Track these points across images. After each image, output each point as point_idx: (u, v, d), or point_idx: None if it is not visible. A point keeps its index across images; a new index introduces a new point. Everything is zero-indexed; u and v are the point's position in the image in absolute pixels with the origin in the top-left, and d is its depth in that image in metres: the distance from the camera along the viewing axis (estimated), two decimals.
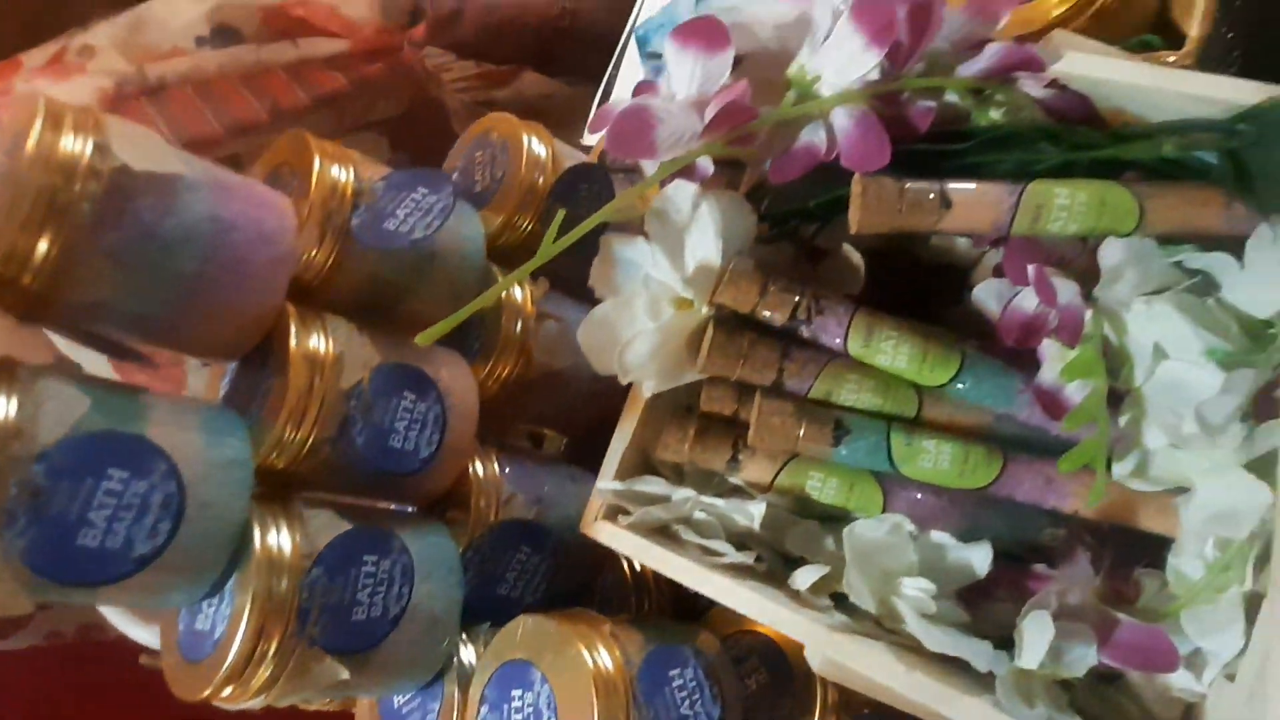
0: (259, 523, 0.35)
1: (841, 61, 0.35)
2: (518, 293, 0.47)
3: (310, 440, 0.37)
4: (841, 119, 0.36)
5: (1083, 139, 0.36)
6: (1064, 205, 0.35)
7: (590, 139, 0.77)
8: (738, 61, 0.37)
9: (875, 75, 0.36)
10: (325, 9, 0.74)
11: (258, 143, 0.74)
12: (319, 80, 0.73)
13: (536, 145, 0.49)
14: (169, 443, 0.32)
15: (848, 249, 0.41)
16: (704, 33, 0.35)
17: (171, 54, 0.70)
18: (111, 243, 0.33)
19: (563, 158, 0.50)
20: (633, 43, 0.76)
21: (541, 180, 0.49)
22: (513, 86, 1.09)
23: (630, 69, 0.74)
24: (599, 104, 0.76)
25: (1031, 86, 0.37)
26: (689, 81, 0.35)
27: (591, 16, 1.22)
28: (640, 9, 0.75)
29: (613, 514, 0.42)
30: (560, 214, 0.36)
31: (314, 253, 0.40)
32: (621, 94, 0.75)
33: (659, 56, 0.69)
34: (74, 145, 0.32)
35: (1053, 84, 0.37)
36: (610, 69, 0.75)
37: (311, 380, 0.37)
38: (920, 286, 0.43)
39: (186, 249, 0.34)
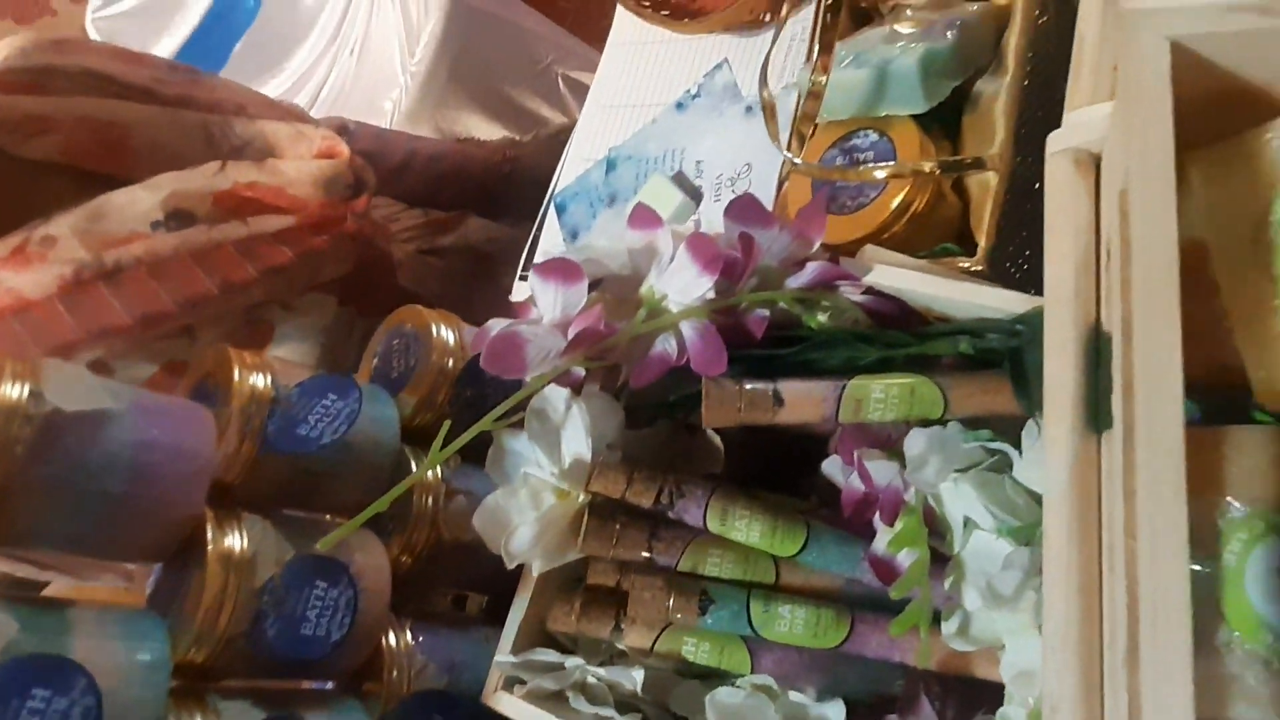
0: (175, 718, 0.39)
1: (682, 284, 0.41)
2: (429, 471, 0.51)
3: (225, 635, 0.41)
4: (688, 330, 0.42)
5: (893, 339, 0.42)
6: (880, 398, 0.41)
7: (517, 295, 0.83)
8: (599, 283, 0.43)
9: (712, 294, 0.42)
10: (273, 189, 0.81)
11: (210, 314, 0.80)
12: (267, 254, 0.80)
13: (445, 332, 0.55)
14: (90, 656, 0.36)
15: (710, 432, 0.46)
16: (561, 270, 0.41)
17: (129, 239, 0.76)
18: (43, 476, 0.37)
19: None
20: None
21: (451, 364, 0.54)
22: (458, 233, 1.17)
23: (553, 228, 0.81)
24: (525, 259, 0.83)
25: (851, 292, 0.43)
26: (553, 308, 0.41)
27: (533, 161, 1.31)
28: (559, 177, 0.82)
29: (511, 684, 0.45)
30: (445, 424, 0.41)
31: (234, 456, 0.45)
32: (549, 245, 0.82)
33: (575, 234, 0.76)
34: (11, 392, 0.37)
35: (869, 290, 0.43)
36: (535, 229, 0.82)
37: (226, 579, 0.41)
38: (784, 457, 0.48)
39: (112, 474, 0.39)
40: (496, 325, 0.42)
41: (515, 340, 0.41)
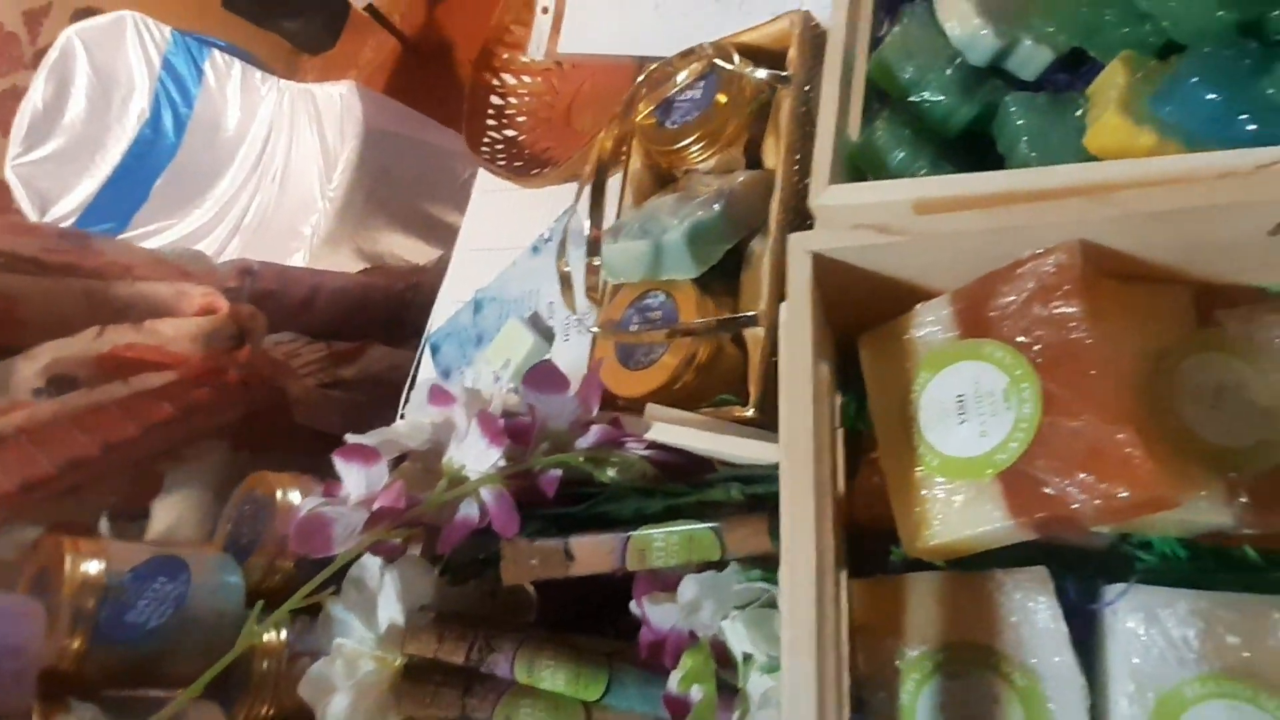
0: None
1: (477, 454, 0.45)
2: (270, 634, 0.53)
3: None
4: (486, 495, 0.45)
5: (674, 490, 0.46)
6: (661, 547, 0.45)
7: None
8: (406, 456, 0.47)
9: (503, 461, 0.46)
10: (153, 348, 0.84)
11: (93, 473, 0.82)
12: (149, 411, 0.82)
13: (291, 495, 0.58)
14: None
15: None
16: (360, 454, 0.44)
17: (10, 408, 0.79)
18: None
19: None
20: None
21: None
22: (360, 363, 1.20)
23: (429, 367, 0.85)
24: (407, 394, 0.86)
25: (637, 447, 0.47)
26: (357, 486, 0.45)
27: (434, 285, 1.36)
28: (433, 318, 0.87)
29: None
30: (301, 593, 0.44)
31: (65, 648, 0.47)
32: (426, 376, 0.86)
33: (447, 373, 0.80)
34: None
35: (652, 445, 0.47)
36: (413, 370, 0.86)
37: None
38: (598, 598, 0.51)
39: None
40: (307, 504, 0.45)
41: (321, 521, 0.44)
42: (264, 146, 1.93)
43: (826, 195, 0.39)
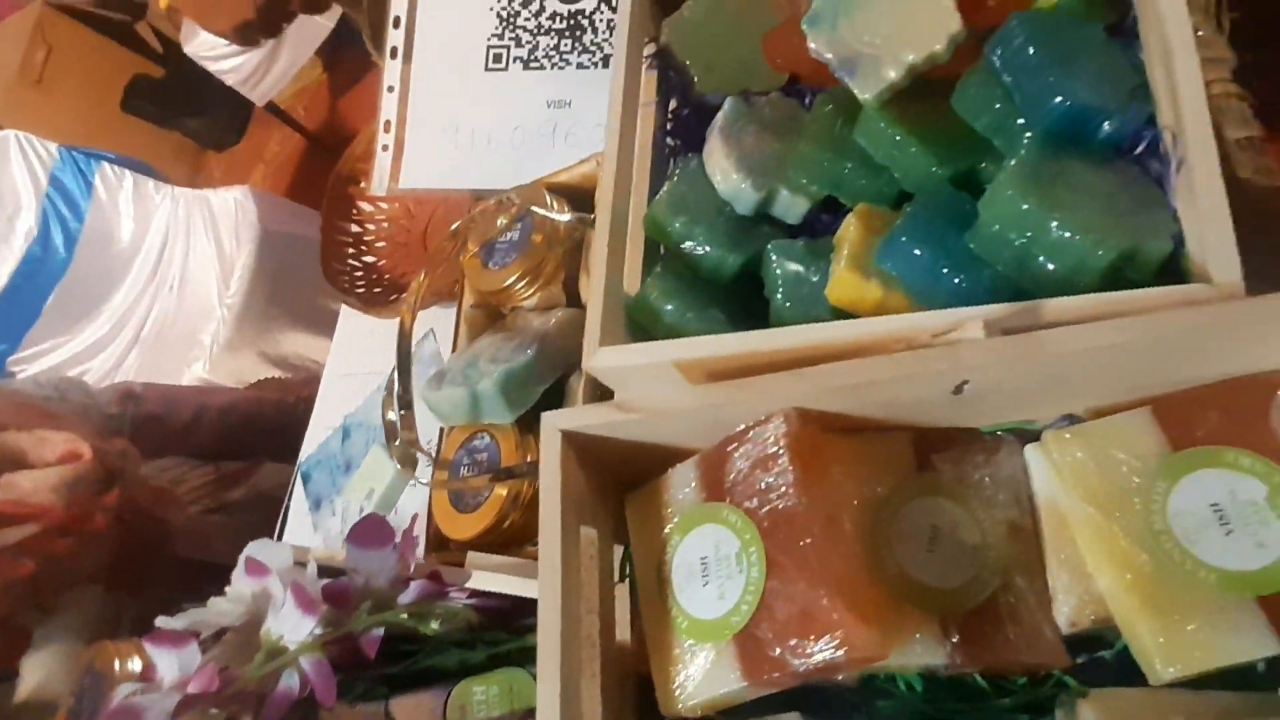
0: None
1: (293, 623, 0.46)
2: None
3: None
4: (306, 665, 0.46)
5: (495, 638, 0.47)
6: (482, 699, 0.46)
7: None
8: (225, 631, 0.48)
9: (320, 629, 0.46)
10: (10, 502, 0.82)
11: None
12: (7, 568, 0.80)
13: (133, 665, 0.57)
14: None
15: None
16: (170, 638, 0.45)
17: None
18: None
19: None
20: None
21: None
22: (250, 483, 1.19)
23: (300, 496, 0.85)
24: (280, 528, 0.86)
25: (460, 598, 0.48)
26: (170, 670, 0.45)
27: None
28: (305, 444, 0.87)
29: None
30: None
31: None
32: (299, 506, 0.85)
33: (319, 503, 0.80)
34: None
35: (475, 593, 0.49)
36: (285, 502, 0.86)
37: None
38: None
39: None
40: (121, 692, 0.45)
41: (133, 710, 0.44)
42: (160, 255, 1.91)
43: (597, 358, 0.42)
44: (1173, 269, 0.36)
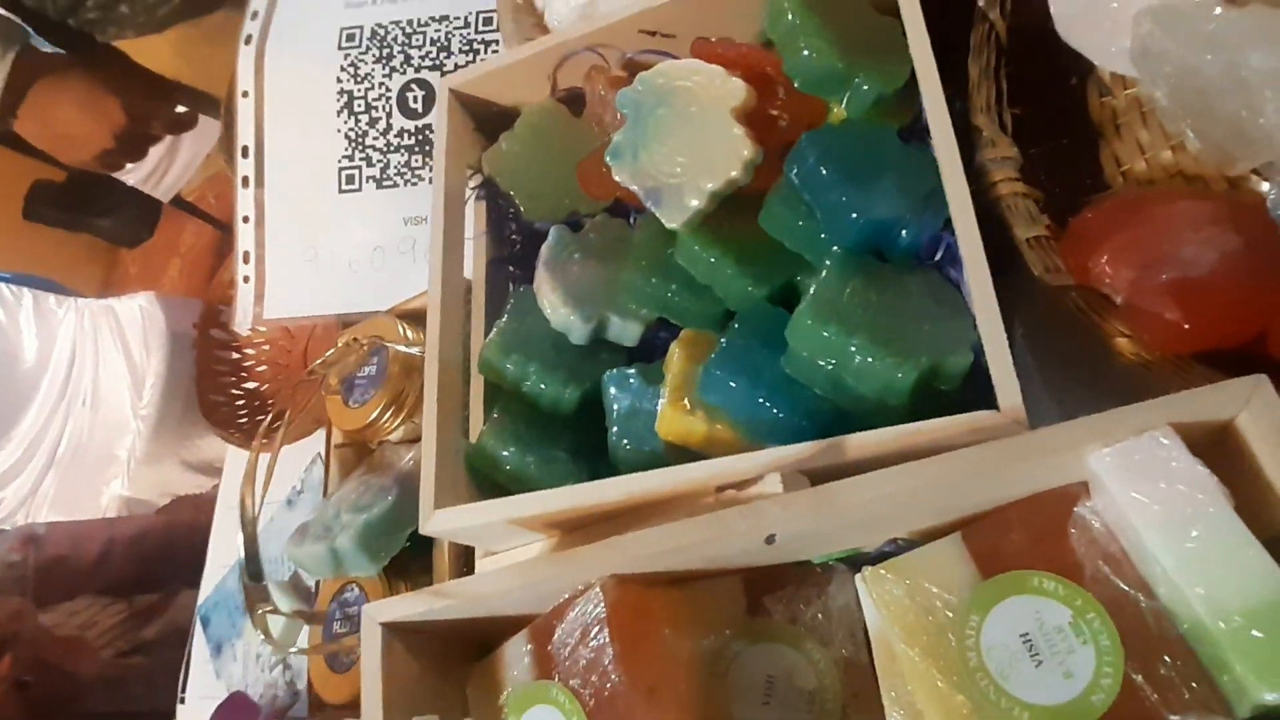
0: None
1: None
2: None
3: None
4: None
5: None
6: None
7: None
8: None
9: None
10: None
11: None
12: None
13: None
14: None
15: None
16: None
17: None
18: None
19: None
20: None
21: None
22: (165, 616, 1.14)
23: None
24: (183, 680, 0.82)
25: None
26: None
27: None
28: (203, 586, 0.84)
29: None
30: None
31: None
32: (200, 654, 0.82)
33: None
34: None
35: None
36: (187, 650, 0.82)
37: None
38: None
39: None
40: None
41: None
42: (69, 371, 1.85)
43: (433, 523, 0.41)
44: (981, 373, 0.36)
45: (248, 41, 0.76)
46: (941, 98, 0.39)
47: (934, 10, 0.46)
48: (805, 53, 0.42)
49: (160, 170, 2.72)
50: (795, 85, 0.43)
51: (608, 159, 0.44)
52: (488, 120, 0.53)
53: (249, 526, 0.51)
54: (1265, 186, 0.38)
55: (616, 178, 0.44)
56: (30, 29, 0.92)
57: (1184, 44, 0.36)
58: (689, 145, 0.42)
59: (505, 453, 0.44)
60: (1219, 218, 0.35)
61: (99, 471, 1.70)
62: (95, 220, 3.56)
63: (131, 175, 2.76)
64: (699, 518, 0.32)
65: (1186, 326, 0.34)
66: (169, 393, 1.70)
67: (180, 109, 1.06)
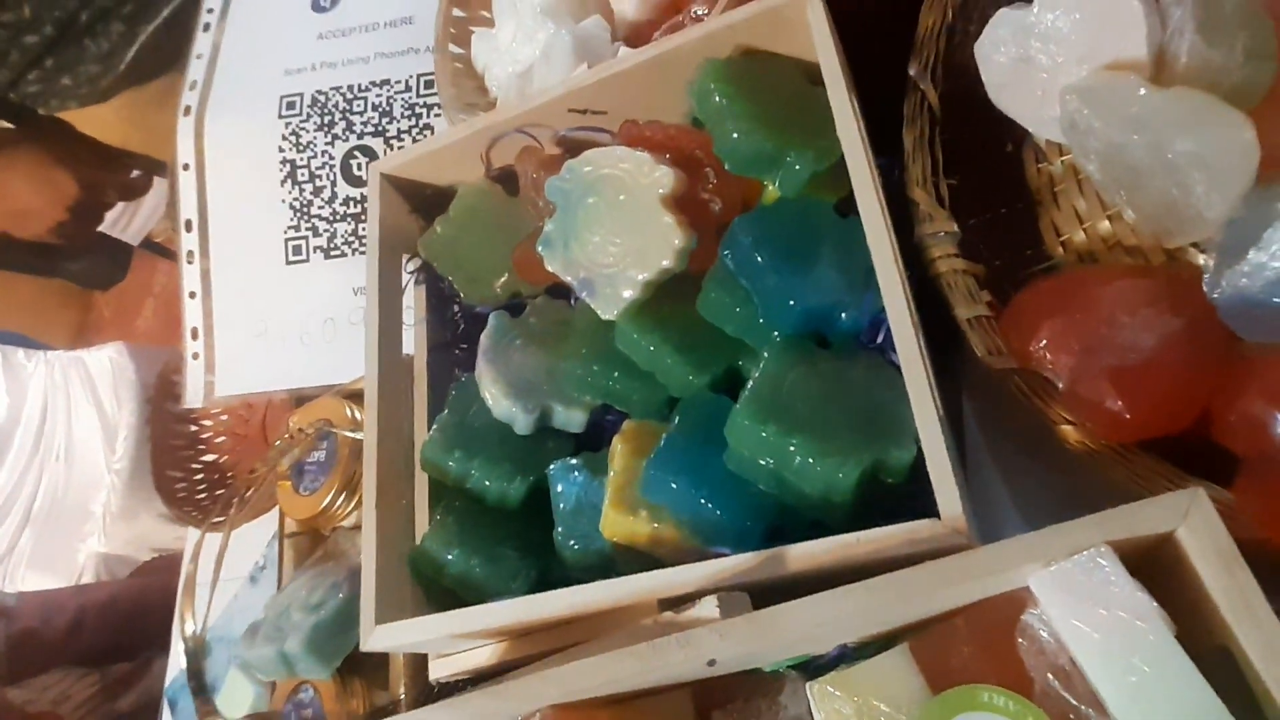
0: None
1: None
2: None
3: None
4: None
5: None
6: None
7: None
8: None
9: None
10: None
11: None
12: None
13: None
14: None
15: None
16: None
17: None
18: None
19: None
20: None
21: None
22: (141, 685, 1.12)
23: None
24: None
25: None
26: None
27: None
28: (170, 666, 0.82)
29: None
30: None
31: None
32: None
33: None
34: None
35: None
36: None
37: None
38: None
39: None
40: None
41: None
42: (41, 426, 1.82)
43: (373, 640, 0.40)
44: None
45: (186, 113, 0.75)
46: (869, 180, 0.38)
47: (869, 73, 0.45)
48: (734, 135, 0.41)
49: (125, 218, 2.69)
50: (726, 167, 0.42)
51: (539, 249, 0.43)
52: (423, 202, 0.52)
53: (189, 643, 0.49)
54: (1202, 260, 0.37)
55: (549, 268, 0.43)
56: None
57: (1111, 123, 0.35)
58: (620, 235, 0.41)
59: (449, 556, 0.43)
60: (1156, 297, 0.35)
61: (75, 528, 1.67)
62: (67, 264, 3.52)
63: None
64: (636, 647, 0.31)
65: (1128, 416, 0.33)
66: (142, 445, 1.68)
67: (134, 173, 1.05)
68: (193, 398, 0.72)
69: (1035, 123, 0.41)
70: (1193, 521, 0.27)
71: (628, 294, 0.41)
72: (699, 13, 0.51)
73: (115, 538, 1.62)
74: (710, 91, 0.42)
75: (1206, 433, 0.33)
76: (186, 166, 0.73)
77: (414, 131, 0.71)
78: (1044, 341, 0.35)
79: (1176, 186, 0.34)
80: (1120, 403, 0.33)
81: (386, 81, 0.72)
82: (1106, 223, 0.40)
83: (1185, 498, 0.27)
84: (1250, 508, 0.30)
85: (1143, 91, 0.34)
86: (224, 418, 0.82)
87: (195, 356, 0.72)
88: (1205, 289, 0.34)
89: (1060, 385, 0.35)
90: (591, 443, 0.47)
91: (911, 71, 0.44)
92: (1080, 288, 0.36)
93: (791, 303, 0.39)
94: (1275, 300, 0.31)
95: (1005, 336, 0.38)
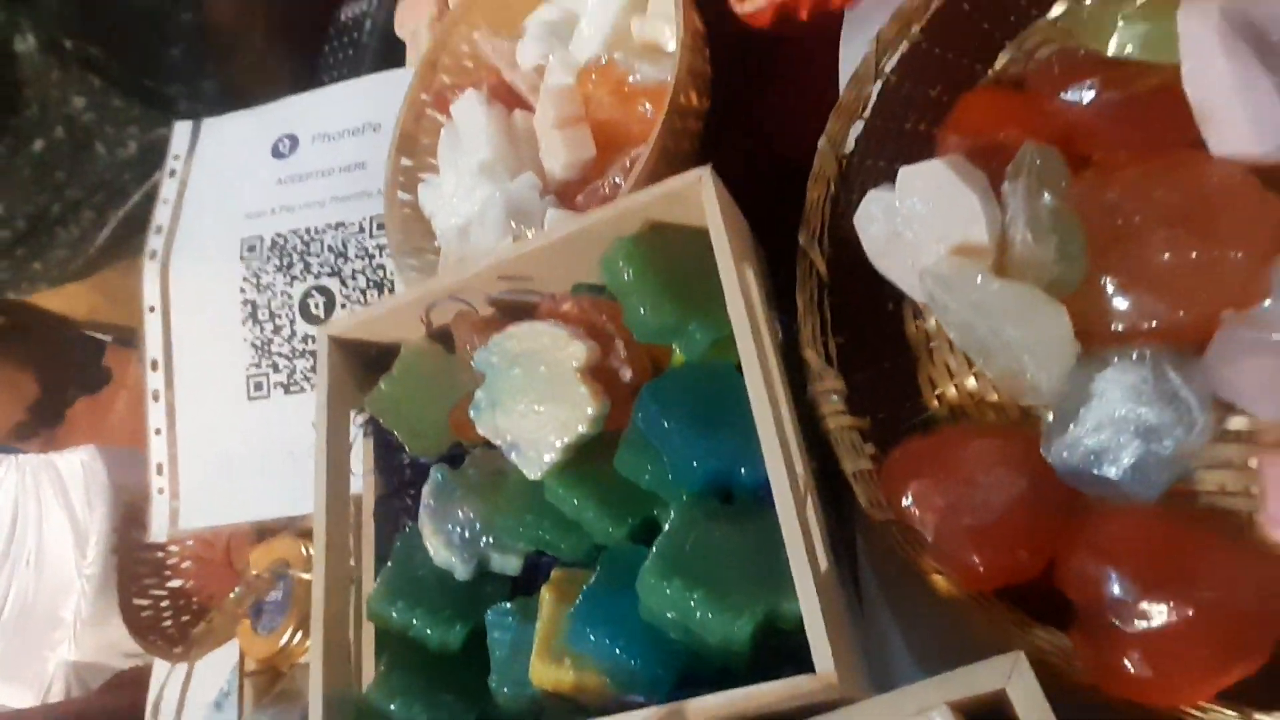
0: None
1: None
2: None
3: None
4: None
5: None
6: None
7: None
8: None
9: None
10: None
11: None
12: None
13: None
14: None
15: None
16: None
17: None
18: None
19: None
20: None
21: None
22: None
23: None
24: None
25: None
26: None
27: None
28: None
29: None
30: None
31: None
32: None
33: None
34: None
35: None
36: None
37: None
38: None
39: None
40: None
41: None
42: (11, 530, 1.82)
43: None
44: None
45: (152, 257, 0.79)
46: (753, 352, 0.42)
47: (775, 234, 0.51)
48: (640, 309, 0.46)
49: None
50: (635, 337, 0.47)
51: (470, 413, 0.48)
52: (368, 360, 0.57)
53: None
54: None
55: (479, 431, 0.47)
56: None
57: (960, 304, 0.40)
58: (541, 403, 0.46)
59: (392, 706, 0.46)
60: (1007, 458, 0.39)
61: (44, 635, 1.66)
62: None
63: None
64: None
65: (982, 569, 0.37)
66: (113, 551, 1.68)
67: (101, 366, 1.08)
68: (158, 531, 0.74)
69: (908, 285, 0.47)
70: (1014, 682, 0.31)
71: (548, 457, 0.45)
72: (616, 180, 0.57)
73: (86, 645, 1.62)
74: (619, 269, 0.47)
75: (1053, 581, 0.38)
76: (152, 309, 0.78)
77: (367, 271, 0.75)
78: (911, 499, 0.40)
79: (1014, 362, 0.39)
80: (976, 557, 0.37)
81: (341, 224, 0.77)
82: (973, 379, 0.45)
83: (1009, 661, 0.31)
84: (1082, 656, 0.34)
85: (979, 280, 0.39)
86: (189, 543, 0.84)
87: (160, 491, 0.75)
88: (1041, 449, 0.39)
89: (928, 538, 0.40)
90: (528, 585, 0.50)
91: (801, 240, 0.49)
92: (944, 448, 0.41)
93: (695, 464, 0.43)
94: (1093, 470, 0.36)
95: (884, 490, 0.42)
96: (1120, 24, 0.41)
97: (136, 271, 0.78)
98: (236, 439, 0.74)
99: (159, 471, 0.75)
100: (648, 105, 0.58)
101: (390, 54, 0.93)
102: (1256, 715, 0.31)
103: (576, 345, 0.46)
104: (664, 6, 0.61)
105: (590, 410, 0.45)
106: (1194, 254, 0.36)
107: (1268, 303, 0.34)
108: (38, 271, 0.97)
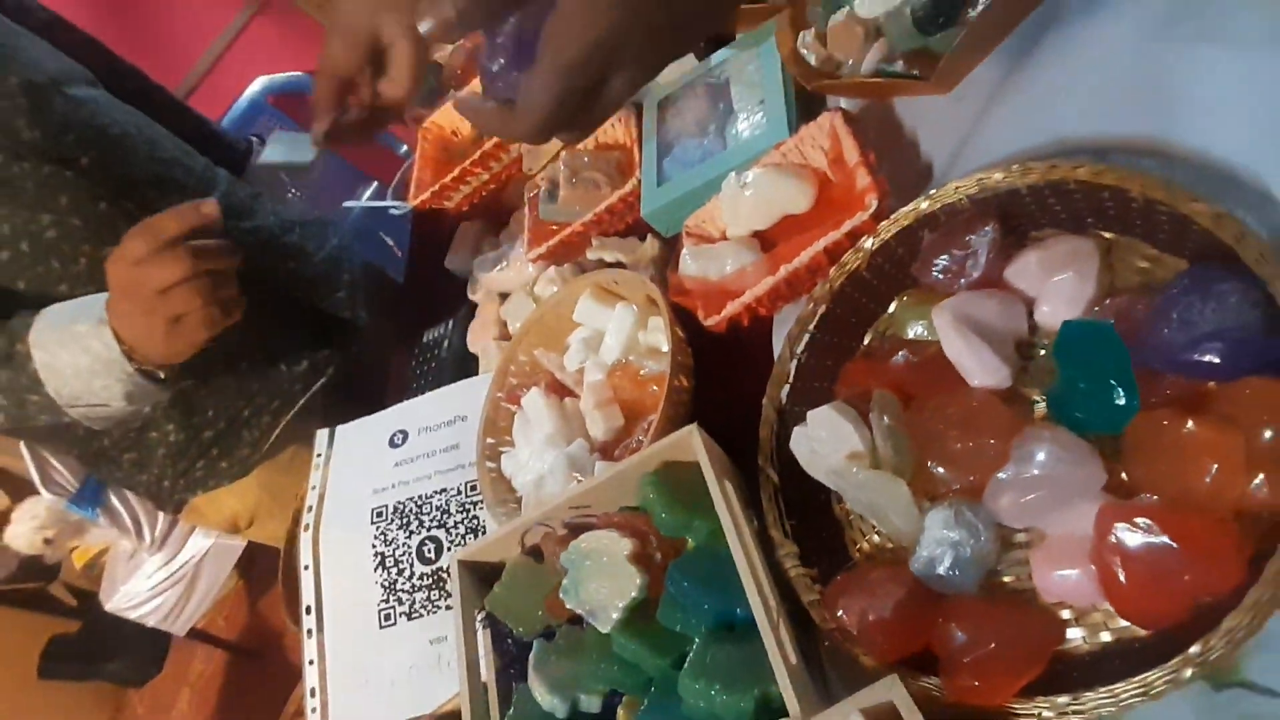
0: None
1: None
2: None
3: None
4: None
5: None
6: None
7: None
8: None
9: None
10: None
11: None
12: None
13: None
14: None
15: None
16: None
17: None
18: None
19: None
20: None
21: None
22: None
23: None
24: None
25: None
26: None
27: None
28: None
29: None
30: None
31: None
32: None
33: None
34: None
35: None
36: None
37: None
38: None
39: None
40: None
41: None
42: None
43: None
44: None
45: (306, 529, 1.08)
46: (738, 542, 0.69)
47: (739, 456, 0.79)
48: (662, 516, 0.74)
49: (179, 606, 2.94)
50: (661, 533, 0.74)
51: (560, 595, 0.74)
52: (484, 574, 0.83)
53: None
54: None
55: (568, 606, 0.73)
56: None
57: (854, 488, 0.68)
58: (605, 582, 0.72)
59: None
60: (893, 576, 0.65)
61: None
62: (105, 665, 3.67)
63: (151, 618, 2.96)
64: None
65: (885, 649, 0.61)
66: None
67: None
68: None
69: (829, 482, 0.74)
70: (895, 692, 0.54)
71: (614, 615, 0.71)
72: (639, 439, 0.87)
73: None
74: (647, 493, 0.75)
75: (931, 650, 0.62)
76: (306, 567, 1.05)
77: (464, 521, 1.04)
78: (841, 611, 0.65)
79: (886, 519, 0.66)
80: (880, 642, 0.62)
81: (444, 490, 1.06)
82: (876, 535, 0.72)
83: (888, 684, 0.55)
84: (944, 683, 0.58)
85: (856, 471, 0.67)
86: None
87: (314, 711, 0.98)
88: (910, 567, 0.64)
89: (855, 633, 0.64)
90: (608, 717, 0.73)
91: (760, 462, 0.78)
92: (858, 578, 0.67)
93: (706, 607, 0.69)
94: (936, 573, 0.62)
95: (826, 609, 0.67)
96: (913, 320, 0.73)
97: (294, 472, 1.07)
98: (372, 661, 0.98)
99: (312, 695, 0.98)
100: (655, 388, 0.89)
101: (463, 365, 1.28)
102: (1038, 699, 0.54)
103: (625, 541, 0.73)
104: (659, 324, 0.95)
105: (637, 581, 0.71)
106: (971, 444, 0.65)
107: (1010, 467, 0.62)
108: (224, 469, 1.27)
